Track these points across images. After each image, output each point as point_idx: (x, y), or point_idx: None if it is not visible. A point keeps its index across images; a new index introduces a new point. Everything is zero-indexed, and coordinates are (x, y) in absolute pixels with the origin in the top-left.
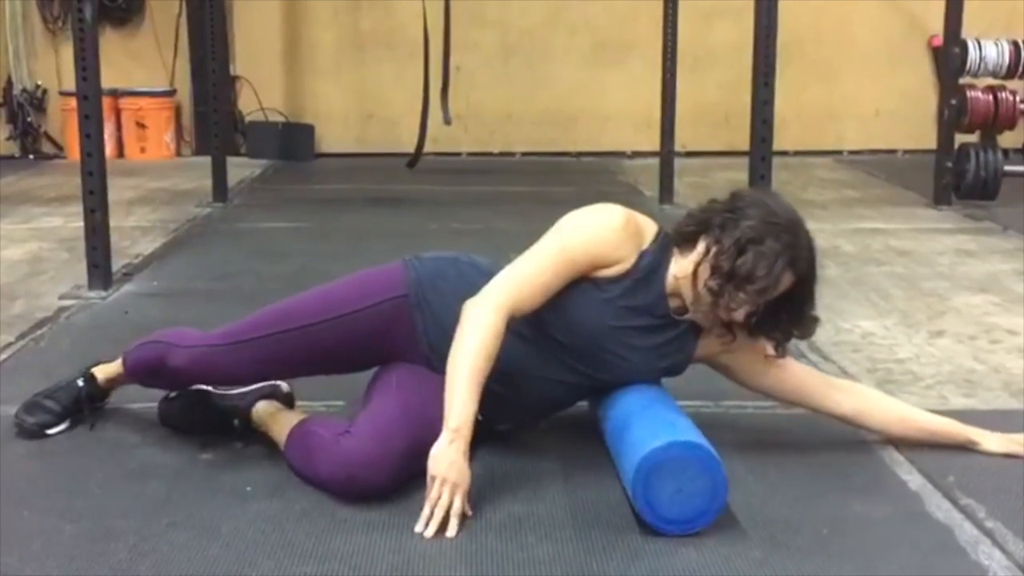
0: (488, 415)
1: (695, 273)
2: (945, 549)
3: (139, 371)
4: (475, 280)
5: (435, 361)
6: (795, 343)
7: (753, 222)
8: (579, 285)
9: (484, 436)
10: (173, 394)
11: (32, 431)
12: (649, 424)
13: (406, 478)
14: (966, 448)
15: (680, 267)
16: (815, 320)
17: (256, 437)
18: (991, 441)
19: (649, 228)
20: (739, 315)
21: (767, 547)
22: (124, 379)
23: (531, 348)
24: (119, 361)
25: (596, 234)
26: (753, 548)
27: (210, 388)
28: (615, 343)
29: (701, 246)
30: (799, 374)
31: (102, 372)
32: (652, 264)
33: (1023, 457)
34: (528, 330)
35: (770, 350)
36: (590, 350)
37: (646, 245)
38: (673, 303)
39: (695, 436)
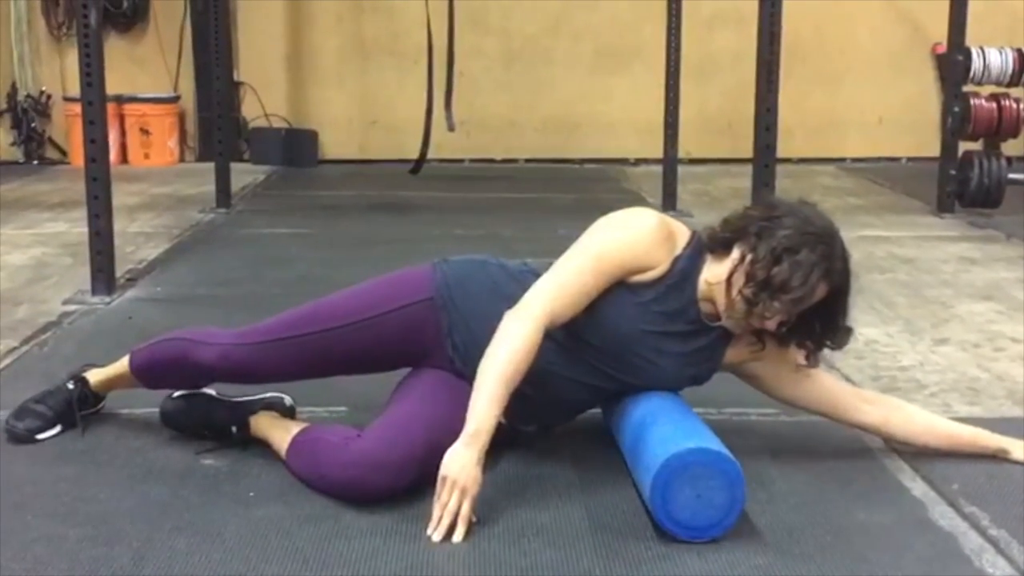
0: (514, 416)
1: (729, 280)
2: (949, 557)
3: (154, 367)
4: (502, 283)
5: (460, 363)
6: None
7: (789, 231)
8: (613, 289)
9: (508, 440)
10: (177, 394)
11: (22, 437)
12: (677, 427)
13: (415, 483)
14: (996, 457)
15: (713, 273)
16: (849, 331)
17: (254, 444)
18: (1022, 450)
19: (683, 232)
20: (772, 324)
21: (771, 554)
22: (127, 381)
23: (562, 350)
24: (121, 363)
25: (631, 240)
26: (757, 555)
27: (212, 393)
28: (646, 348)
29: (736, 253)
30: (828, 385)
31: (96, 375)
32: (686, 269)
33: None
34: (560, 332)
35: (801, 359)
36: (621, 354)
37: (680, 250)
38: (705, 308)
39: (725, 449)
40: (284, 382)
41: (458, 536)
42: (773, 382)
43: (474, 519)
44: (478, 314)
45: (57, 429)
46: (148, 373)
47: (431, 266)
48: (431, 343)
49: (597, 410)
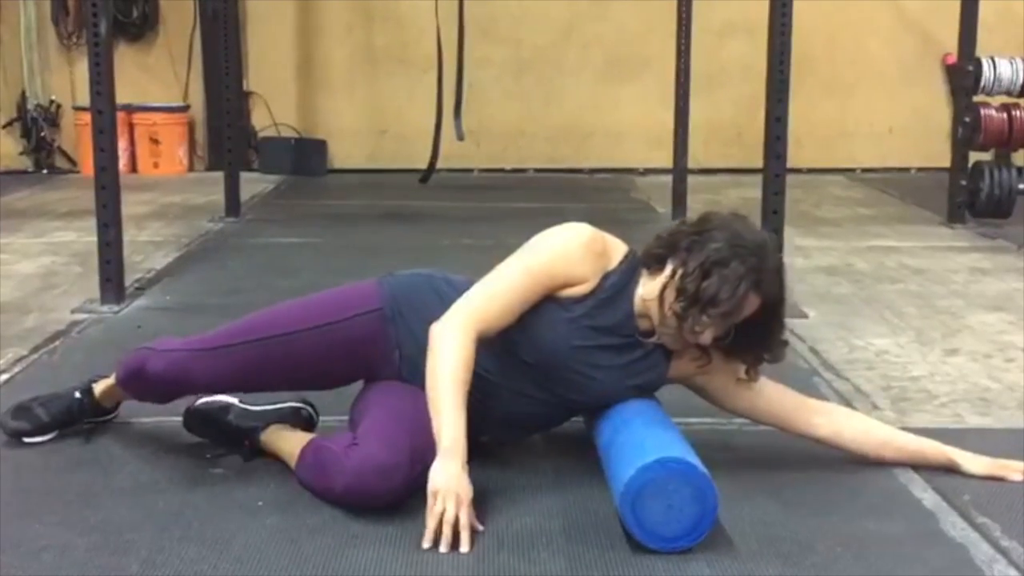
0: (469, 426)
1: (662, 295)
2: (960, 568)
3: (126, 380)
4: (449, 296)
5: (408, 373)
6: (808, 360)
7: (719, 244)
8: (544, 305)
9: (470, 449)
10: (200, 401)
11: (10, 434)
12: (624, 448)
13: (417, 484)
14: (948, 470)
15: (648, 289)
16: (784, 343)
17: (264, 456)
18: (973, 463)
19: (618, 249)
20: (705, 338)
21: (781, 564)
22: (122, 391)
23: (502, 363)
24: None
25: (560, 252)
26: (767, 565)
27: (234, 401)
28: (579, 363)
29: (668, 268)
30: (773, 396)
31: (100, 386)
32: (618, 285)
33: (1005, 480)
34: (498, 346)
35: (742, 373)
36: (555, 369)
37: (612, 265)
38: (642, 324)
39: (665, 450)
40: (234, 391)
41: (464, 545)
42: (723, 396)
43: (479, 527)
44: (425, 326)
45: (52, 435)
46: (125, 386)
47: (376, 280)
48: (380, 355)
49: (579, 419)
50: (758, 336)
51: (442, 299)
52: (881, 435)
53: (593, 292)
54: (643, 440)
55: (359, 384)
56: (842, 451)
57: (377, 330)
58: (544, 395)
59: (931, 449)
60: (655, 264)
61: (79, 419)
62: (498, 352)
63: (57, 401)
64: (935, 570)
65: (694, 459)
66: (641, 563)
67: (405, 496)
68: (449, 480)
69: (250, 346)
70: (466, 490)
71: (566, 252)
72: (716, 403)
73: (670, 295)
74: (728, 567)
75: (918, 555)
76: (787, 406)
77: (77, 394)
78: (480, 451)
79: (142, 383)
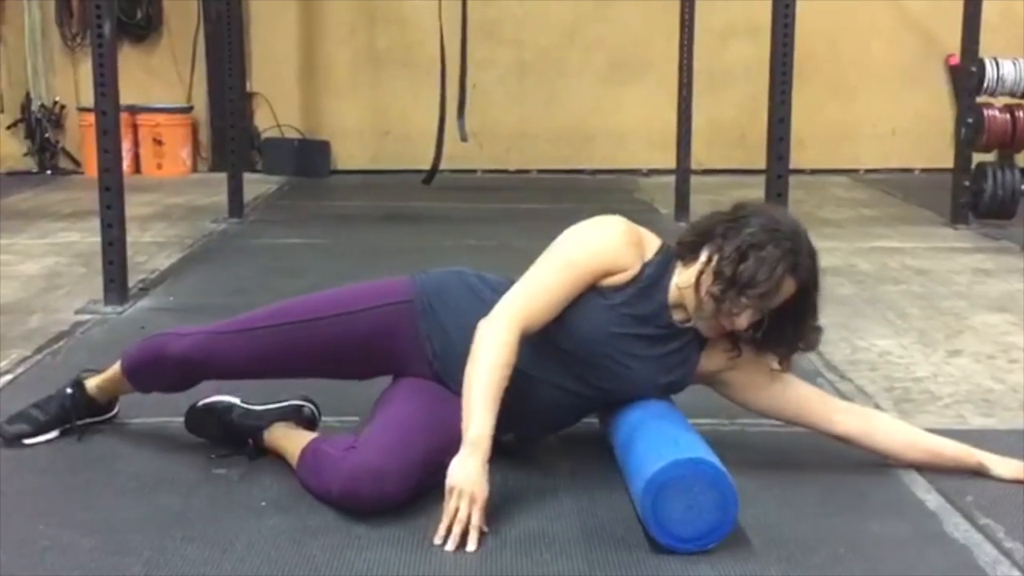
0: (497, 423)
1: (698, 281)
2: (963, 570)
3: (138, 369)
4: (481, 291)
5: (439, 369)
6: (812, 361)
7: (755, 229)
8: (583, 293)
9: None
10: (202, 402)
11: (10, 440)
12: (652, 442)
13: (416, 490)
14: (977, 473)
15: (683, 277)
16: (819, 331)
17: (267, 455)
18: (1002, 466)
19: (652, 241)
20: (741, 322)
21: (783, 566)
22: (123, 384)
23: (536, 352)
24: (116, 367)
25: (599, 244)
26: (769, 567)
27: (236, 401)
28: (616, 350)
29: (704, 254)
30: (801, 392)
31: (92, 381)
32: (655, 274)
33: None
34: (534, 335)
35: (775, 364)
36: (591, 356)
37: (649, 256)
38: (676, 315)
39: (698, 451)
40: (263, 377)
41: (471, 545)
42: (750, 391)
43: (485, 528)
44: (457, 321)
45: (52, 435)
46: (134, 375)
47: (410, 275)
48: (408, 346)
49: (594, 420)
50: (792, 324)
51: (475, 294)
52: (909, 436)
53: (632, 281)
54: (676, 438)
55: (352, 388)
56: (866, 451)
57: (405, 321)
58: (575, 384)
59: (960, 451)
60: (690, 253)
61: (74, 414)
62: (533, 339)
63: (51, 401)
64: (938, 572)
65: (724, 469)
66: (644, 563)
67: (400, 502)
68: (467, 478)
69: (274, 330)
70: (482, 489)
71: (605, 244)
72: (742, 400)
73: (707, 279)
74: (731, 568)
75: (921, 556)
76: (815, 403)
77: (68, 389)
78: (498, 452)
79: (157, 368)
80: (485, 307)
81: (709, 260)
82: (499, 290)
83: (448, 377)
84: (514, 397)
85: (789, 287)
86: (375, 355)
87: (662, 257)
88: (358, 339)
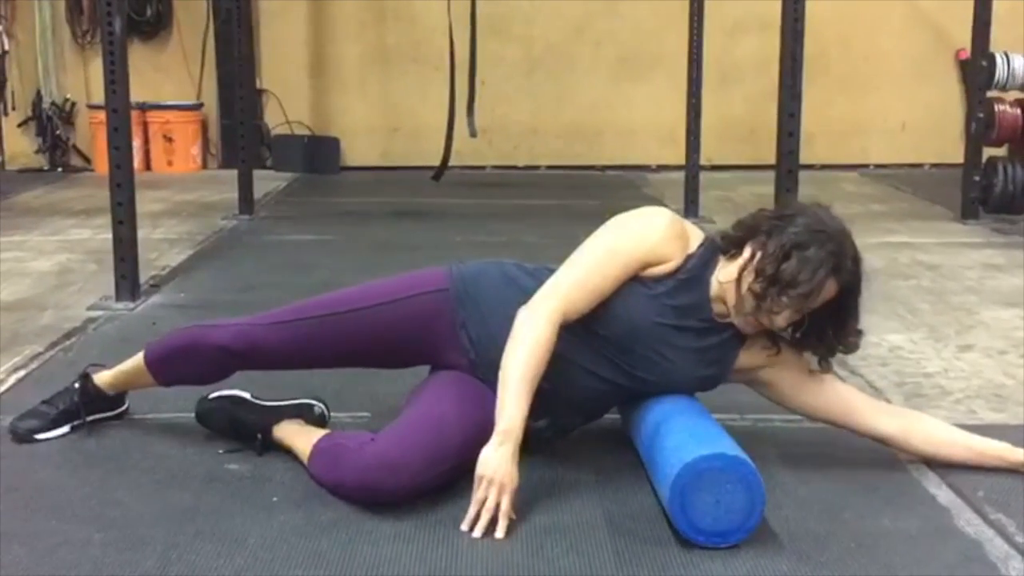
0: (531, 408)
1: (739, 277)
2: (974, 564)
3: (169, 357)
4: (520, 279)
5: (475, 356)
6: None
7: (799, 229)
8: (625, 282)
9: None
10: (212, 395)
11: (22, 436)
12: (691, 432)
13: (431, 484)
14: (1020, 472)
15: (725, 272)
16: (859, 333)
17: (279, 451)
18: None
19: (696, 234)
20: (781, 320)
21: (795, 560)
22: (143, 377)
23: (573, 338)
24: (136, 358)
25: (643, 234)
26: (781, 562)
27: (247, 396)
28: (658, 340)
29: (747, 251)
30: (842, 392)
31: (111, 374)
32: (697, 267)
33: None
34: (574, 322)
35: (814, 364)
36: (633, 345)
37: (692, 248)
38: (717, 309)
39: (740, 451)
40: (299, 368)
41: (500, 532)
42: (788, 389)
43: (513, 516)
44: (494, 308)
45: (64, 429)
46: (163, 365)
47: (447, 265)
48: (444, 335)
49: (616, 416)
50: (832, 326)
51: (514, 282)
52: (950, 435)
53: (675, 272)
54: (709, 433)
55: (363, 384)
56: (907, 452)
57: (442, 309)
58: (612, 372)
59: (1003, 450)
60: (733, 248)
61: (83, 406)
62: (573, 325)
63: (59, 396)
64: (949, 566)
65: (760, 477)
66: (652, 556)
67: (414, 495)
68: (498, 467)
69: (318, 320)
70: (511, 478)
71: (649, 235)
72: (779, 398)
73: (748, 276)
74: (742, 562)
75: (932, 551)
76: (855, 403)
77: (76, 384)
78: (525, 446)
79: (192, 356)
80: (524, 295)
81: (752, 257)
82: (539, 278)
83: (484, 365)
84: (549, 382)
85: (831, 289)
86: (412, 344)
87: (705, 250)
88: (397, 328)
